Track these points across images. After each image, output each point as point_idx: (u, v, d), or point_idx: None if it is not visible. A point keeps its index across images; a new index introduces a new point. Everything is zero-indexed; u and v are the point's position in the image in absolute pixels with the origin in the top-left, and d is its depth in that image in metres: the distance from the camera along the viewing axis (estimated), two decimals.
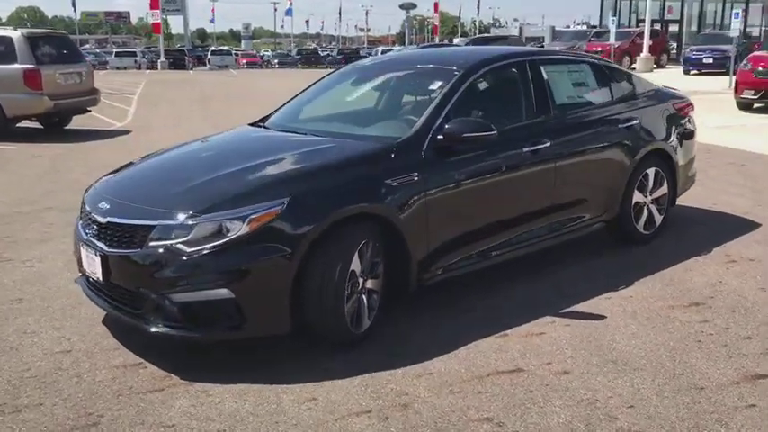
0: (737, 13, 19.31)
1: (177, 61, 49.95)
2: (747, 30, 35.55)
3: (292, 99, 5.40)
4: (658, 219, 5.73)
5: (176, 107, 19.09)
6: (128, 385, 3.54)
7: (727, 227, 6.13)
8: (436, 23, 55.41)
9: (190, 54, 53.91)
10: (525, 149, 4.56)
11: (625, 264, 5.22)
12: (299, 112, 5.15)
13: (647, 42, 28.97)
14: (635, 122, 5.38)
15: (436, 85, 4.50)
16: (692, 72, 26.16)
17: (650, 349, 3.82)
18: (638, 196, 5.49)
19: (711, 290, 4.67)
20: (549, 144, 4.68)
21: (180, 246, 3.51)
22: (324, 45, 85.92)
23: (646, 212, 5.61)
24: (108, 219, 3.76)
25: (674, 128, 5.78)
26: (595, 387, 3.43)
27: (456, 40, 60.04)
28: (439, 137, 4.14)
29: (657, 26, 35.93)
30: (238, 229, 3.49)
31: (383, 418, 3.19)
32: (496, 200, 4.48)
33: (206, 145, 4.80)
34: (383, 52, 55.61)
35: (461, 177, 4.22)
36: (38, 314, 4.47)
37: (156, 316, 3.62)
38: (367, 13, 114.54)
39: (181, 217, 3.55)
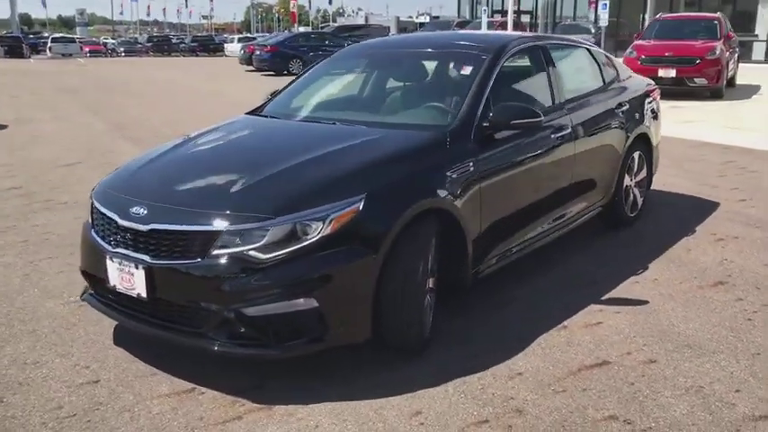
0: (605, 4, 20.41)
1: (14, 49, 45.71)
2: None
3: (290, 85, 4.96)
4: (639, 201, 5.86)
5: (43, 98, 17.45)
6: (196, 416, 3.08)
7: (692, 207, 6.38)
8: (294, 10, 54.48)
9: (25, 41, 49.58)
10: (553, 135, 4.47)
11: (625, 247, 5.28)
12: (310, 99, 4.75)
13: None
14: (626, 107, 5.45)
15: (467, 70, 4.28)
16: None
17: (712, 331, 3.85)
18: (626, 180, 5.58)
19: (723, 268, 4.81)
20: (570, 129, 4.62)
21: (253, 253, 3.08)
22: (171, 33, 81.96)
23: (631, 195, 5.72)
24: (151, 226, 3.23)
25: (650, 112, 5.93)
26: (690, 374, 3.39)
27: (301, 29, 59.39)
28: (485, 124, 3.94)
29: (509, 17, 37.32)
30: (319, 231, 3.12)
31: (506, 426, 2.97)
32: (533, 186, 4.37)
33: (231, 137, 4.31)
34: (240, 41, 54.25)
35: (505, 164, 4.05)
36: (27, 340, 3.82)
37: (221, 333, 3.17)
38: (212, 0, 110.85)
39: (252, 220, 3.12)
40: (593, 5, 33.94)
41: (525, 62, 4.69)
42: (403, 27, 61.13)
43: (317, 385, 3.30)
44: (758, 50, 27.41)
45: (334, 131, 4.09)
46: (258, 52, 27.37)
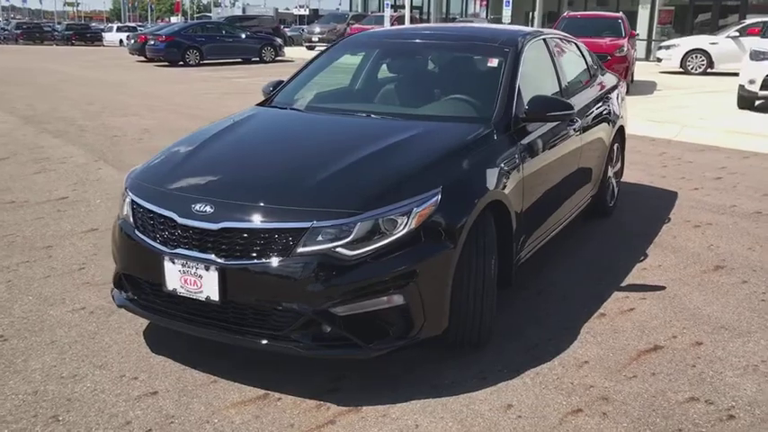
0: (508, 1, 21.02)
1: None
2: (472, 14, 38.27)
3: (297, 76, 4.77)
4: (616, 191, 6.09)
5: None
6: (285, 423, 2.92)
7: (656, 196, 6.71)
8: (178, 0, 52.55)
9: None
10: (568, 126, 4.55)
11: (613, 235, 5.48)
12: (333, 92, 4.60)
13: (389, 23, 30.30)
14: (610, 100, 5.65)
15: (494, 62, 4.28)
16: None
17: (737, 312, 4.06)
18: (609, 170, 5.79)
19: (713, 254, 5.08)
20: (579, 121, 4.73)
21: (340, 250, 2.95)
22: (35, 20, 76.55)
23: (611, 185, 5.93)
24: (223, 224, 3.02)
25: (623, 103, 6.17)
26: (740, 353, 3.55)
27: (173, 19, 57.28)
28: (521, 115, 3.97)
29: (402, 11, 37.78)
30: (404, 226, 3.03)
31: (601, 414, 3.01)
32: (557, 176, 4.43)
33: (274, 130, 4.14)
34: (120, 30, 51.73)
35: (538, 155, 4.09)
36: (50, 352, 3.50)
37: (305, 335, 3.02)
38: None
39: (340, 216, 2.98)
40: (485, 3, 34.96)
41: (538, 55, 4.74)
42: (282, 19, 60.30)
43: (388, 384, 3.21)
44: (639, 49, 29.17)
45: (379, 125, 3.98)
46: (152, 42, 26.20)
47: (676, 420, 2.96)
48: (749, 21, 20.47)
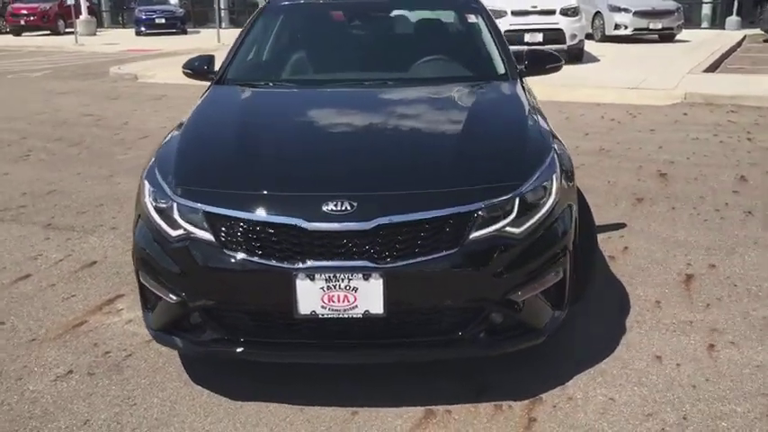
0: None
1: None
2: None
3: (239, 49, 4.01)
4: None
5: None
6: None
7: None
8: None
9: None
10: None
11: None
12: (300, 63, 3.98)
13: (85, 3, 27.49)
14: None
15: (472, 18, 4.10)
16: (144, 32, 26.03)
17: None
18: None
19: (620, 188, 5.53)
20: None
21: (509, 229, 2.61)
22: None
23: None
24: (377, 221, 2.47)
25: None
26: None
27: None
28: (523, 68, 3.89)
29: None
30: (550, 194, 2.78)
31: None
32: None
33: (316, 112, 3.57)
34: None
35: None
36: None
37: (481, 332, 2.63)
38: None
39: (501, 191, 2.63)
40: None
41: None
42: None
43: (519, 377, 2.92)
44: None
45: (413, 93, 3.65)
46: None
47: None
48: None
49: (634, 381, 2.85)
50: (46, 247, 4.48)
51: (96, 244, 4.50)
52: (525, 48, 5.31)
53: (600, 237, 4.38)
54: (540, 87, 9.24)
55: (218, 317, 2.65)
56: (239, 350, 2.64)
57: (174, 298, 2.65)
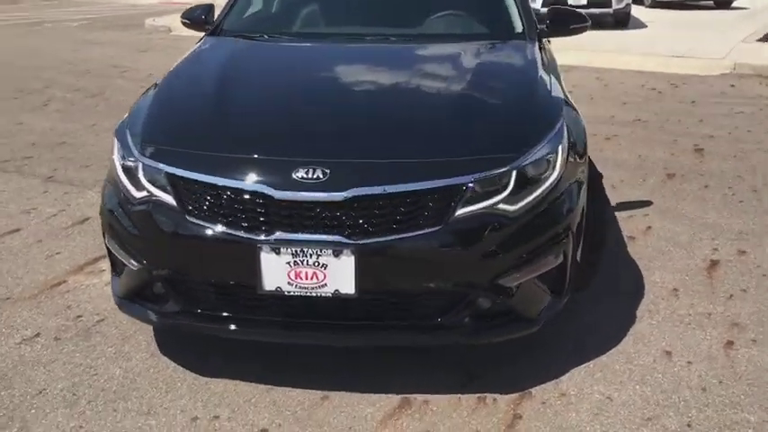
0: None
1: None
2: None
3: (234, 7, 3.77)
4: None
5: None
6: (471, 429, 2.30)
7: None
8: None
9: None
10: None
11: None
12: (302, 15, 3.71)
13: None
14: None
15: None
16: None
17: None
18: None
19: (650, 162, 5.17)
20: None
21: (502, 206, 2.34)
22: None
23: None
24: (351, 192, 2.22)
25: None
26: None
27: None
28: (545, 28, 3.58)
29: None
30: (552, 167, 2.49)
31: None
32: None
33: (290, 68, 3.28)
34: None
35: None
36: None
37: (465, 318, 2.38)
38: None
39: (494, 164, 2.35)
40: None
41: None
42: None
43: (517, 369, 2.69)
44: None
45: (423, 50, 3.32)
46: None
47: None
48: None
49: (637, 378, 2.59)
50: (42, 201, 4.35)
51: (94, 200, 4.34)
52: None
53: (621, 215, 4.10)
54: (578, 52, 8.92)
55: (181, 288, 2.44)
56: (200, 324, 2.44)
57: (136, 264, 2.46)
